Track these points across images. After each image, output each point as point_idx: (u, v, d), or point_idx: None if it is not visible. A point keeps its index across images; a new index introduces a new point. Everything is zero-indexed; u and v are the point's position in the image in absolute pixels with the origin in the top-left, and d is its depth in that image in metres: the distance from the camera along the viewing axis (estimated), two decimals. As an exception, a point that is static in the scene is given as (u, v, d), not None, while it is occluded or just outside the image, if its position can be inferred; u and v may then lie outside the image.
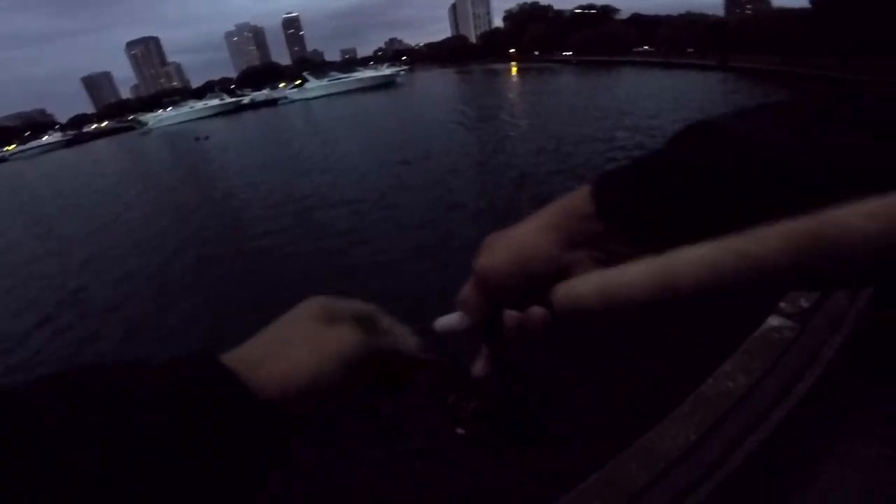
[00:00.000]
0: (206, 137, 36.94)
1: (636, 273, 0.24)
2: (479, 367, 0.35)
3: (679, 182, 0.26)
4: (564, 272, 0.29)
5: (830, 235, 0.18)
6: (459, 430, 0.35)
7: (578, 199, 0.30)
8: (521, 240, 0.31)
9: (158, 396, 0.24)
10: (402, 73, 74.50)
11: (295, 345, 0.30)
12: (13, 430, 0.20)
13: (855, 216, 0.18)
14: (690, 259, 0.22)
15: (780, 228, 0.20)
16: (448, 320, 0.37)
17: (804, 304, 1.65)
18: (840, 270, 0.20)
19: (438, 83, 61.31)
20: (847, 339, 1.47)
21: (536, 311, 0.31)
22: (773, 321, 1.61)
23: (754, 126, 0.25)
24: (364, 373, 0.33)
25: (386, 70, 74.15)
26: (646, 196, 0.27)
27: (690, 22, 52.64)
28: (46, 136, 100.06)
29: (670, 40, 50.01)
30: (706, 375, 1.52)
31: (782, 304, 1.66)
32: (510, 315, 0.32)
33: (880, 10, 20.79)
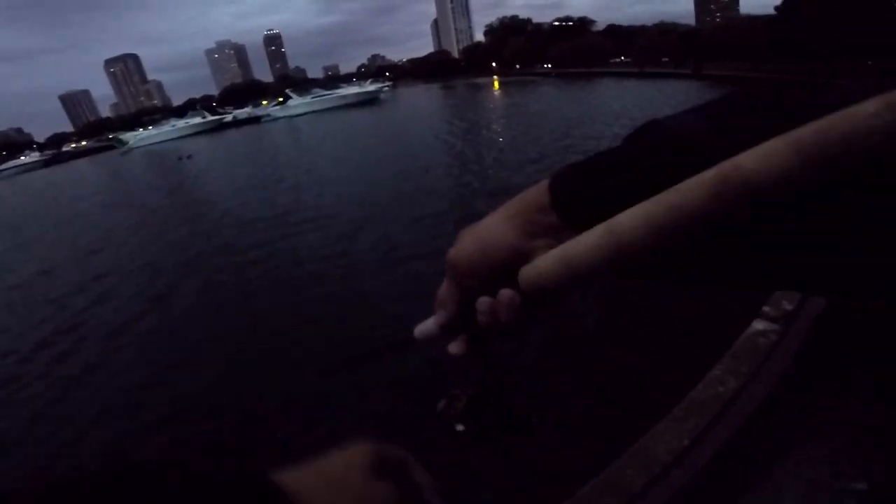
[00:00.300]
0: (189, 156, 36.45)
1: (588, 240, 0.27)
2: (455, 347, 0.37)
3: (625, 175, 0.28)
4: (525, 260, 0.31)
5: (732, 175, 0.21)
6: (459, 427, 0.36)
7: (537, 192, 0.32)
8: (486, 231, 0.33)
9: None
10: (386, 89, 74.84)
11: (342, 493, 0.35)
12: None
13: (745, 158, 0.21)
14: (628, 218, 0.25)
15: (696, 178, 0.23)
16: (426, 325, 0.38)
17: (787, 306, 1.70)
18: (751, 207, 0.22)
19: (422, 98, 61.78)
20: (824, 339, 1.53)
21: (505, 293, 0.32)
22: (758, 325, 1.66)
23: (687, 120, 0.28)
24: None
25: (369, 86, 74.36)
26: (594, 191, 0.29)
27: (664, 32, 54.30)
28: (24, 156, 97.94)
29: (646, 50, 51.40)
30: (694, 376, 1.56)
31: (766, 308, 1.71)
32: (482, 301, 0.33)
33: (836, 16, 21.95)
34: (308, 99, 69.26)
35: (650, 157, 0.28)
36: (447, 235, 9.01)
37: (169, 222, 15.22)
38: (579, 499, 1.23)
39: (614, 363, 4.38)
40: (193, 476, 0.28)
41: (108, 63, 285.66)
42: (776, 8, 29.20)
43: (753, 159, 0.21)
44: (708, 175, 0.22)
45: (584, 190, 0.30)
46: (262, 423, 4.41)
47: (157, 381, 5.65)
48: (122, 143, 71.61)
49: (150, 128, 76.26)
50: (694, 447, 1.19)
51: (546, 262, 0.29)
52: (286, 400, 4.59)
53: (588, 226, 0.28)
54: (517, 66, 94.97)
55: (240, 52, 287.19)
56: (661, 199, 0.24)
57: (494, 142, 19.40)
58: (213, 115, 79.42)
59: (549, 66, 78.55)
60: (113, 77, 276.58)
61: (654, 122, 0.29)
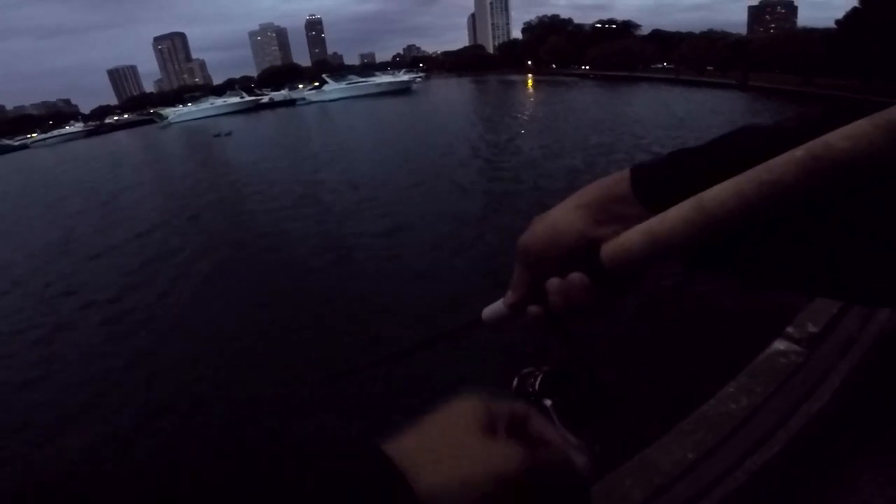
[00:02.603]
0: (229, 133, 36.61)
1: (674, 214, 0.28)
2: (534, 309, 0.37)
3: (712, 166, 0.29)
4: (593, 246, 0.33)
5: (823, 153, 0.23)
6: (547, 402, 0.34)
7: (614, 182, 0.34)
8: (556, 218, 0.35)
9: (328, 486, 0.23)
10: (419, 79, 74.99)
11: (448, 455, 0.27)
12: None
13: (835, 138, 0.23)
14: (718, 192, 0.26)
15: (786, 156, 0.24)
16: (495, 307, 0.39)
17: (812, 328, 1.62)
18: (839, 182, 0.23)
19: (454, 91, 61.88)
20: (857, 365, 1.44)
21: (575, 275, 0.33)
22: (780, 345, 1.58)
23: (776, 123, 0.30)
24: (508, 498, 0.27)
25: (403, 76, 74.77)
26: (680, 180, 0.30)
27: (711, 40, 52.36)
28: (68, 126, 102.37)
29: (690, 58, 49.75)
30: (710, 396, 1.50)
31: (789, 329, 1.63)
32: (552, 282, 0.34)
33: None
34: (343, 85, 70.02)
35: (738, 150, 0.29)
36: (474, 231, 9.03)
37: (204, 196, 15.66)
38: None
39: (628, 373, 4.30)
40: (306, 455, 0.25)
41: (157, 40, 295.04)
42: (837, 22, 27.88)
43: (842, 137, 0.22)
44: (798, 153, 0.24)
45: (670, 179, 0.31)
46: (321, 403, 4.36)
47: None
48: (162, 117, 73.92)
49: (190, 104, 78.47)
50: (700, 463, 1.14)
51: (630, 237, 0.30)
52: (346, 386, 4.44)
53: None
54: (553, 66, 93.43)
55: (281, 36, 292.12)
56: (752, 176, 0.25)
57: (524, 140, 19.17)
58: (250, 95, 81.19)
59: (587, 67, 76.98)
60: (160, 54, 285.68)
61: (746, 126, 0.31)
